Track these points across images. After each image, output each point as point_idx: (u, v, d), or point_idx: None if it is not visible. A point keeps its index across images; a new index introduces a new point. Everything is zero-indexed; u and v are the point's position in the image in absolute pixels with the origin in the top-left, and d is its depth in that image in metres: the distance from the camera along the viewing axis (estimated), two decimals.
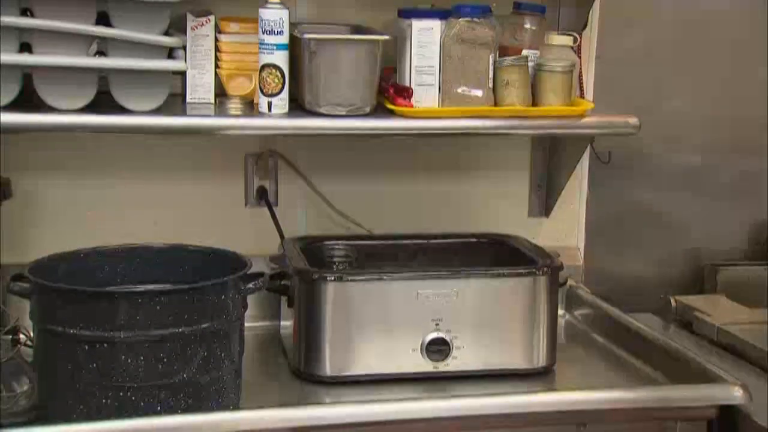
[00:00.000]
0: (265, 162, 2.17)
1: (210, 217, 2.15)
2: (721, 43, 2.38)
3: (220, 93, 1.97)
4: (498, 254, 2.09)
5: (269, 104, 1.88)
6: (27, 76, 1.78)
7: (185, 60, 1.87)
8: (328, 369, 1.84)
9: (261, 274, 1.78)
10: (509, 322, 1.89)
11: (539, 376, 1.92)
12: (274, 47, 1.86)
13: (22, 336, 1.85)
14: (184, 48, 1.87)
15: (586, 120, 2.01)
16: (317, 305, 1.83)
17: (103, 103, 1.82)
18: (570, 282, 2.23)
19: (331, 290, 1.83)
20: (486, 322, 1.88)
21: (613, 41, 2.29)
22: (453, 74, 1.92)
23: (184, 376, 1.63)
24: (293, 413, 1.68)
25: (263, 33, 1.85)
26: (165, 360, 1.61)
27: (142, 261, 1.85)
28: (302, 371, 1.87)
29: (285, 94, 1.88)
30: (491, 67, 1.94)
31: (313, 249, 2.04)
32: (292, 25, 1.89)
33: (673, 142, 2.40)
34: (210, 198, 2.16)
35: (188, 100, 1.96)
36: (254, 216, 2.17)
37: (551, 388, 1.91)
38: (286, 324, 1.99)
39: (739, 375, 1.87)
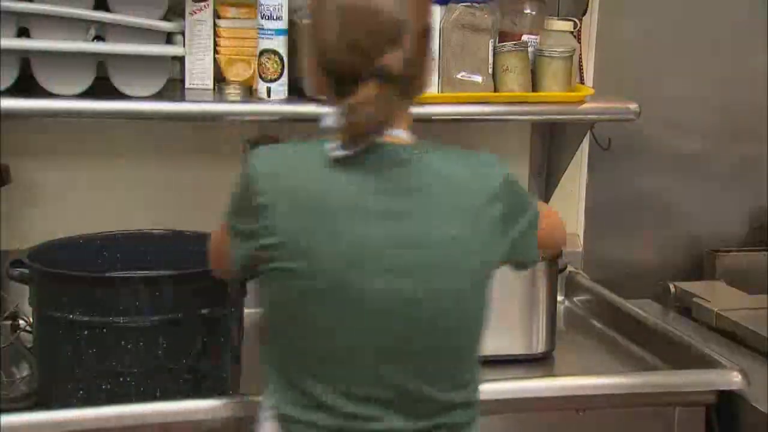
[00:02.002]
0: None
1: (209, 204, 2.13)
2: (721, 29, 2.38)
3: (219, 78, 1.97)
4: None
5: (268, 90, 1.87)
6: (25, 61, 1.77)
7: (184, 45, 1.86)
8: None
9: None
10: (509, 308, 1.89)
11: (538, 362, 1.93)
12: (273, 32, 1.85)
13: (21, 322, 1.85)
14: (183, 33, 1.87)
15: (586, 106, 2.00)
16: None
17: (101, 88, 1.81)
18: (569, 268, 2.23)
19: None
20: None
21: (614, 27, 2.29)
22: (452, 60, 1.92)
23: (184, 362, 1.63)
24: None
25: (262, 18, 1.85)
26: (164, 346, 1.61)
27: (142, 247, 1.85)
28: None
29: (284, 79, 1.87)
30: (491, 53, 1.93)
31: None
32: (291, 10, 1.88)
33: (673, 127, 2.40)
34: (209, 184, 2.15)
35: (187, 85, 1.95)
36: None
37: (550, 374, 1.91)
38: None
39: (737, 360, 1.87)
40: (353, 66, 1.27)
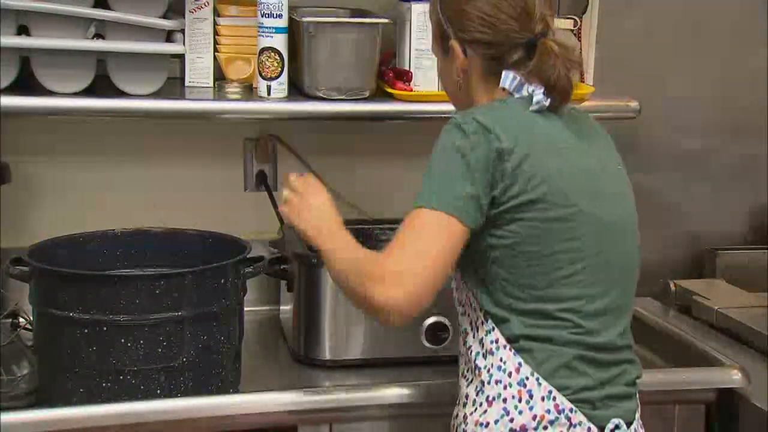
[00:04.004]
0: (265, 146, 2.17)
1: (209, 202, 2.15)
2: (721, 26, 2.38)
3: (219, 77, 1.97)
4: None
5: (268, 88, 1.87)
6: (25, 59, 1.77)
7: (184, 43, 1.86)
8: (328, 353, 1.85)
9: (260, 259, 1.78)
10: None
11: None
12: (273, 30, 1.85)
13: (21, 320, 1.85)
14: (183, 31, 1.87)
15: (586, 104, 2.00)
16: (317, 290, 1.83)
17: (101, 86, 1.81)
18: None
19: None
20: None
21: (614, 25, 2.28)
22: None
23: (184, 359, 1.63)
24: (292, 397, 1.68)
25: (262, 16, 1.85)
26: (164, 343, 1.61)
27: (142, 245, 1.85)
28: (302, 355, 1.87)
29: (284, 77, 1.87)
30: None
31: None
32: (291, 9, 1.89)
33: (674, 126, 2.40)
34: (209, 182, 2.16)
35: (187, 83, 1.95)
36: (254, 200, 2.17)
37: None
38: (286, 308, 1.99)
39: (737, 358, 1.87)
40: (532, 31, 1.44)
